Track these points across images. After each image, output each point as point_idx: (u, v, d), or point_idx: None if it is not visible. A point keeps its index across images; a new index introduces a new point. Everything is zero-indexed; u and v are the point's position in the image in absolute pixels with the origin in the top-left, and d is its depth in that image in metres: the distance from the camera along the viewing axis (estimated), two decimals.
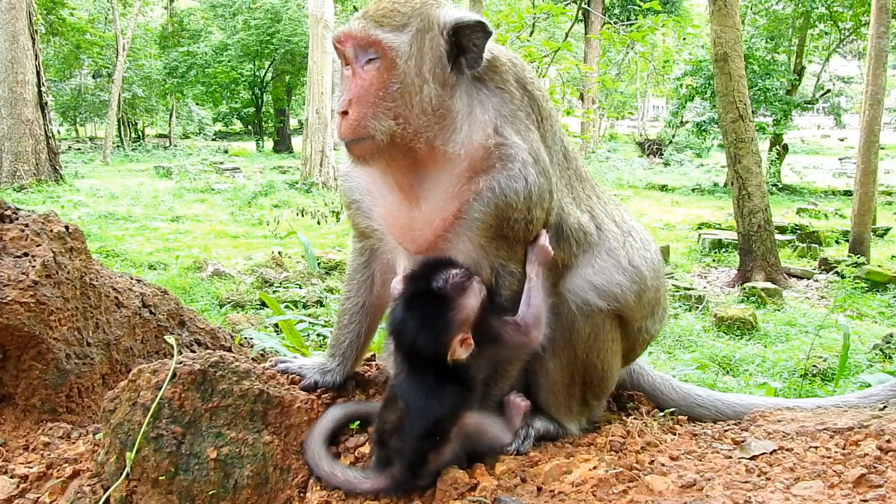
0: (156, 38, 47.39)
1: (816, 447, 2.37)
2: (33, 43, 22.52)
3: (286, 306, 10.76)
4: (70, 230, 3.47)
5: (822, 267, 16.00)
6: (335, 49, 2.48)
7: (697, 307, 12.49)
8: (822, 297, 14.09)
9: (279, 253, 14.49)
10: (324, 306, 10.95)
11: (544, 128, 2.62)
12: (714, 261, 17.17)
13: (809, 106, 34.76)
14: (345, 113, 2.40)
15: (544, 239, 2.57)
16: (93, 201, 21.27)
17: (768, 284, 13.64)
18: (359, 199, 2.73)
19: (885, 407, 2.73)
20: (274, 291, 11.91)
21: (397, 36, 2.37)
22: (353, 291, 2.93)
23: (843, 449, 2.33)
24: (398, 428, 2.40)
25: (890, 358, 9.63)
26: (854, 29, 30.37)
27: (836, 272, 15.08)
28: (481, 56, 2.43)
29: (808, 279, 15.39)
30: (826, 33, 32.15)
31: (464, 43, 2.42)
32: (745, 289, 13.56)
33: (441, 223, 2.47)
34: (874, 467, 2.15)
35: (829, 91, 37.83)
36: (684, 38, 29.13)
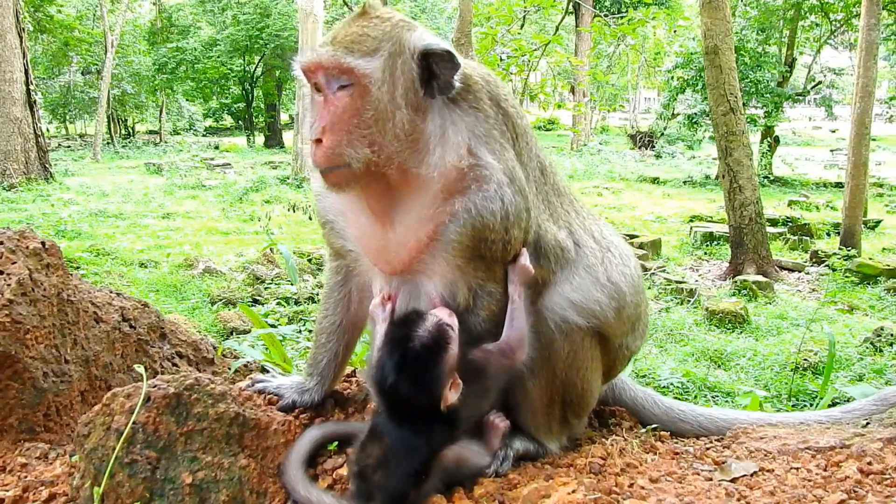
0: (144, 34, 47.16)
1: (798, 468, 2.35)
2: (21, 41, 22.40)
3: (278, 303, 10.75)
4: (46, 246, 3.42)
5: (814, 259, 16.04)
6: (304, 76, 2.42)
7: (689, 300, 12.50)
8: (814, 290, 14.13)
9: (271, 249, 14.42)
10: (316, 303, 10.89)
11: (519, 145, 2.58)
12: (706, 254, 17.19)
13: (801, 98, 34.76)
14: (318, 140, 2.34)
15: (525, 258, 2.53)
16: (83, 199, 21.18)
17: (760, 277, 13.66)
18: (332, 219, 2.69)
19: (867, 423, 2.71)
20: (266, 288, 11.87)
21: (369, 62, 2.31)
22: (330, 310, 2.89)
23: (825, 471, 2.31)
24: (382, 464, 2.36)
25: (880, 351, 9.64)
26: (845, 20, 30.33)
27: (828, 265, 15.12)
28: (451, 84, 2.37)
29: (800, 272, 15.44)
30: (817, 25, 32.07)
31: (434, 68, 2.36)
32: (736, 282, 13.58)
33: (416, 244, 2.43)
34: (854, 492, 2.13)
35: (820, 83, 37.77)
36: (675, 31, 29.12)
